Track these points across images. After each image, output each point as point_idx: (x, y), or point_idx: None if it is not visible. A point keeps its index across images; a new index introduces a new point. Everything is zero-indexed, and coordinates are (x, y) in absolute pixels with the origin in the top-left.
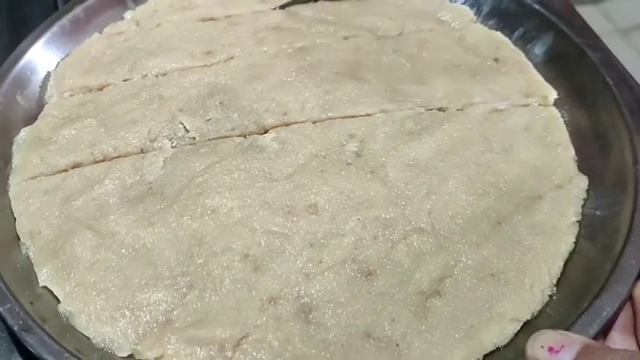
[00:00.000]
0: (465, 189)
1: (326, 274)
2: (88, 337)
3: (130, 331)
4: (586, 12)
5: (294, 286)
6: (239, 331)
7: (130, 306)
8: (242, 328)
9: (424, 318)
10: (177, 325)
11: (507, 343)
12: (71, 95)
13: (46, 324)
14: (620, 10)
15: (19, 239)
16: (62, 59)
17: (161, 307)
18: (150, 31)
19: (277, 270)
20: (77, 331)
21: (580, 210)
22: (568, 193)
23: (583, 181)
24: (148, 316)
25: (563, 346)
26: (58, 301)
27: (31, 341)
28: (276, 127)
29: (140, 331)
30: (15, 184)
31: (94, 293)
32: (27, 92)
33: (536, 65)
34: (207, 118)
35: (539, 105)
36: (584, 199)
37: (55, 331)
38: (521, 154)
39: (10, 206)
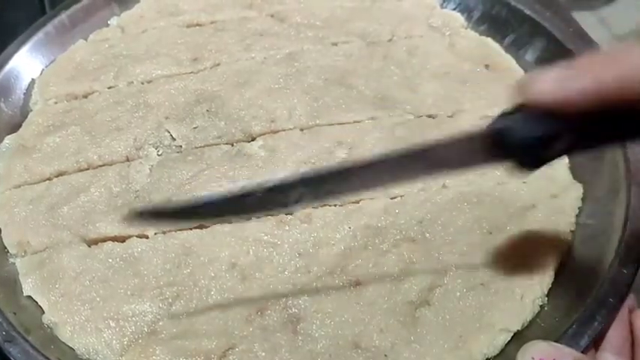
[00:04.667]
0: (458, 197)
1: (314, 284)
2: (72, 348)
3: (114, 342)
4: (582, 18)
5: (282, 296)
6: (225, 342)
7: (115, 317)
8: (228, 338)
9: (413, 328)
10: (162, 336)
11: (497, 354)
12: (56, 102)
13: (30, 335)
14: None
15: (4, 249)
16: (47, 66)
17: (146, 318)
18: (135, 37)
19: (265, 280)
20: (61, 342)
21: (574, 220)
22: (562, 202)
23: (578, 190)
24: (133, 327)
25: (554, 359)
26: (43, 312)
27: (14, 352)
28: (264, 134)
29: (125, 342)
30: None
31: (79, 304)
32: (11, 99)
33: (527, 72)
34: (194, 125)
35: None
36: (578, 208)
37: (38, 342)
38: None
39: None
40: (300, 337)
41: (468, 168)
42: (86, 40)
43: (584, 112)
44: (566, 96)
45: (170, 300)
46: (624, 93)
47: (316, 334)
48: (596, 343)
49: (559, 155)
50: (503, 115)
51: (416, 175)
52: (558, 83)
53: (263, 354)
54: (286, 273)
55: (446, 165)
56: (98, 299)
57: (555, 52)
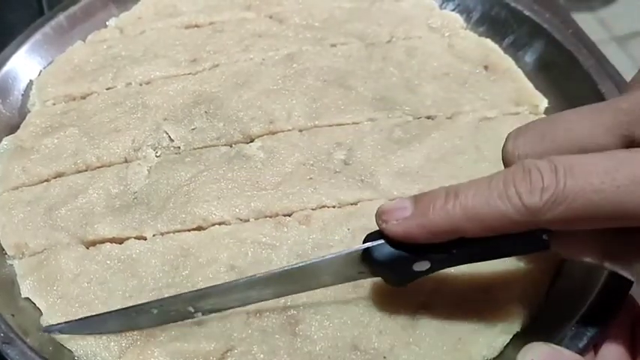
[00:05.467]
0: None
1: None
2: (70, 351)
3: (112, 344)
4: (582, 19)
5: (281, 298)
6: (224, 344)
7: None
8: (227, 341)
9: (412, 330)
10: (161, 338)
11: (496, 356)
12: (54, 104)
13: (28, 337)
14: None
15: (2, 251)
16: (45, 67)
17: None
18: (134, 38)
19: None
20: (59, 344)
21: None
22: None
23: None
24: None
25: None
26: (41, 314)
27: (12, 354)
28: (262, 135)
29: (123, 344)
30: None
31: (77, 305)
32: (9, 101)
33: (527, 73)
34: (193, 127)
35: (530, 113)
36: None
37: (37, 344)
38: None
39: None
40: (298, 339)
41: (343, 282)
42: (84, 41)
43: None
44: (418, 232)
45: None
46: (476, 228)
47: (315, 336)
48: (595, 345)
49: (426, 273)
50: (373, 235)
51: (297, 291)
52: (410, 220)
53: (262, 356)
54: None
55: (323, 281)
56: (96, 301)
57: (554, 53)
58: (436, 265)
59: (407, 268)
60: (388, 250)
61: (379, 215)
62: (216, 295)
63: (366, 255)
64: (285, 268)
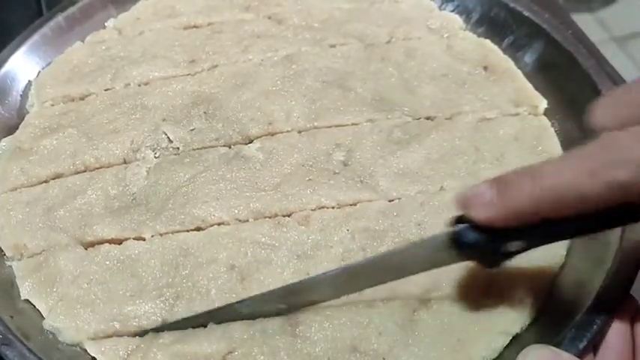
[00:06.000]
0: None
1: None
2: (73, 353)
3: (115, 346)
4: (582, 20)
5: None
6: (225, 346)
7: (117, 319)
8: (228, 342)
9: (411, 331)
10: (162, 340)
11: (496, 357)
12: (52, 105)
13: (27, 338)
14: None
15: (1, 252)
16: (43, 68)
17: (147, 321)
18: (132, 39)
19: (264, 282)
20: (60, 347)
21: None
22: None
23: None
24: (134, 330)
25: None
26: (41, 315)
27: (10, 356)
28: (261, 136)
29: (126, 347)
30: None
31: (79, 306)
32: (7, 101)
33: (526, 74)
34: (191, 128)
35: (530, 114)
36: None
37: (36, 346)
38: (513, 163)
39: None
40: (299, 340)
41: (431, 268)
42: (83, 41)
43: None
44: (502, 217)
45: (170, 301)
46: (561, 209)
47: (315, 337)
48: (595, 347)
49: (517, 253)
50: (460, 219)
51: (380, 282)
52: (492, 206)
53: (262, 357)
54: (285, 275)
55: (409, 269)
56: (98, 301)
57: (554, 53)
58: (530, 243)
59: (498, 249)
60: (475, 234)
61: (461, 202)
62: (307, 290)
63: (454, 240)
64: (373, 257)
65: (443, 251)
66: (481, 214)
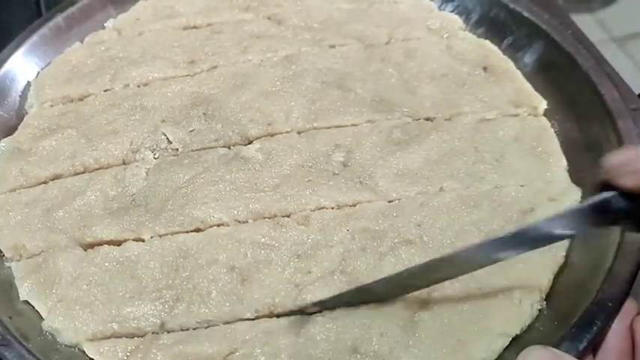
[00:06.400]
0: (456, 201)
1: (316, 283)
2: (72, 354)
3: (116, 346)
4: (581, 20)
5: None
6: (226, 347)
7: (117, 320)
8: (230, 343)
9: (412, 332)
10: (163, 341)
11: (496, 359)
12: (51, 105)
13: (26, 339)
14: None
15: (0, 252)
16: (43, 69)
17: (147, 322)
18: (132, 39)
19: (264, 282)
20: (57, 346)
21: None
22: (561, 205)
23: (576, 193)
24: (134, 331)
25: None
26: (39, 316)
27: (9, 356)
28: (261, 137)
29: (126, 347)
30: None
31: (78, 308)
32: (7, 102)
33: (526, 74)
34: (191, 129)
35: (529, 115)
36: None
37: (35, 347)
38: (513, 164)
39: None
40: (301, 340)
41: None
42: (82, 42)
43: None
44: None
45: (171, 303)
46: None
47: (317, 338)
48: (595, 347)
49: None
50: (605, 188)
51: (517, 252)
52: (635, 177)
53: (263, 358)
54: (286, 274)
55: (549, 238)
56: (97, 303)
57: (554, 54)
58: None
59: None
60: (625, 201)
61: (608, 170)
62: (442, 266)
63: (603, 206)
64: (515, 230)
65: (586, 220)
66: (630, 181)
